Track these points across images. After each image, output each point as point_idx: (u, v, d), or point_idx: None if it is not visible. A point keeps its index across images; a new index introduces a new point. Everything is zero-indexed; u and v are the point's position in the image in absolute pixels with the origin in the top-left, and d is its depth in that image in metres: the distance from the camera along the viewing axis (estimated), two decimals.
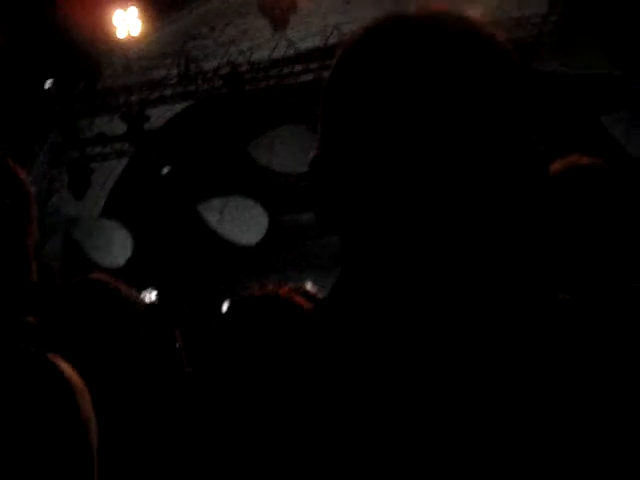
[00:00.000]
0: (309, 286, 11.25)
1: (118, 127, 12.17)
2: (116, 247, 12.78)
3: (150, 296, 11.06)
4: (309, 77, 11.37)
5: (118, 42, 11.02)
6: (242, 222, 13.54)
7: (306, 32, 11.35)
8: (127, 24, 10.86)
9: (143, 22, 10.93)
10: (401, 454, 0.69)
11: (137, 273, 11.75)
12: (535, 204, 0.74)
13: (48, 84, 10.90)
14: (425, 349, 0.71)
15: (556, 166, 1.49)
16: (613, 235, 1.43)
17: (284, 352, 0.80)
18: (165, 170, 12.95)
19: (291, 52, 11.55)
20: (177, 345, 2.88)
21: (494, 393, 0.71)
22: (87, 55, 10.80)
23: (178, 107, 12.91)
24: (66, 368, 1.10)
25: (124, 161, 13.34)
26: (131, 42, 11.07)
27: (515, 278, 0.74)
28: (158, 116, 12.64)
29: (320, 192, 0.78)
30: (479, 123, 0.70)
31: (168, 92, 11.91)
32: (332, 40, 11.39)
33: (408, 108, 0.70)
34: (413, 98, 0.70)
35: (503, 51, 0.76)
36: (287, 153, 12.06)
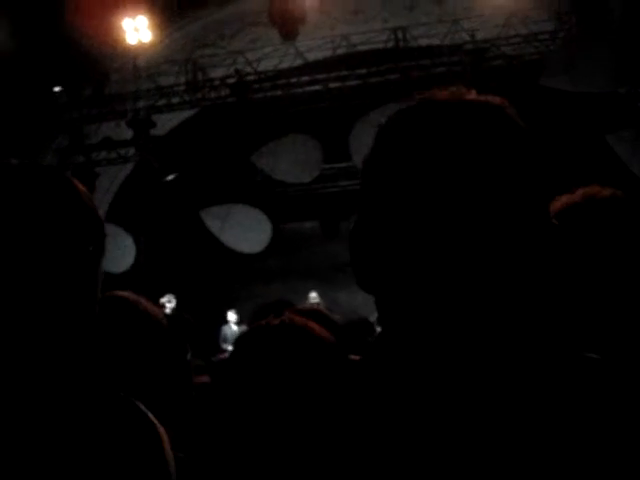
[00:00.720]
0: (314, 295, 11.26)
1: (124, 133, 12.19)
2: (119, 252, 12.77)
3: (169, 304, 11.00)
4: (316, 87, 11.41)
5: (126, 49, 11.07)
6: (245, 230, 13.54)
7: (314, 43, 11.38)
8: (136, 31, 10.91)
9: (151, 30, 10.98)
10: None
11: (139, 279, 11.77)
12: (546, 262, 0.82)
13: (56, 89, 10.93)
14: (453, 399, 0.81)
15: (577, 196, 1.46)
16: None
17: (341, 398, 0.91)
18: (170, 177, 12.95)
19: (299, 62, 11.58)
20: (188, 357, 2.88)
21: (515, 438, 0.79)
22: (95, 61, 10.84)
23: (184, 114, 12.94)
24: (164, 434, 1.09)
25: (129, 167, 13.35)
26: (139, 49, 11.11)
27: (535, 337, 0.82)
28: (164, 123, 12.67)
29: (360, 257, 0.89)
30: (502, 203, 0.80)
31: (175, 99, 11.94)
32: (340, 51, 11.45)
33: (435, 185, 0.80)
34: (440, 176, 0.81)
35: (514, 125, 0.86)
36: (291, 162, 12.08)
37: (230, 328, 11.90)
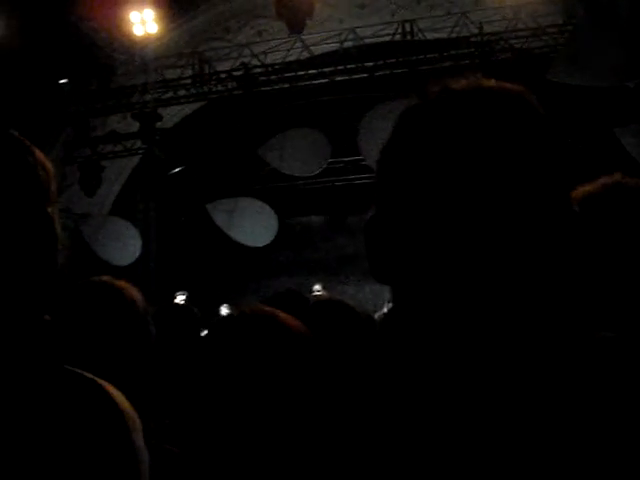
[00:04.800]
0: (318, 287, 11.27)
1: (130, 126, 12.20)
2: (124, 245, 12.79)
3: (181, 296, 11.03)
4: (323, 80, 11.38)
5: (133, 42, 11.05)
6: (251, 224, 13.52)
7: (321, 36, 11.34)
8: (142, 24, 10.89)
9: (158, 22, 10.96)
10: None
11: (145, 272, 11.77)
12: (569, 245, 0.81)
13: (62, 82, 10.93)
14: (467, 382, 0.80)
15: (599, 185, 1.44)
16: None
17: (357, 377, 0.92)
18: (176, 169, 12.95)
19: (305, 55, 11.55)
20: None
21: (527, 423, 0.78)
22: (102, 54, 10.83)
23: (191, 107, 12.93)
24: (120, 398, 1.03)
25: (135, 159, 13.36)
26: (146, 42, 11.10)
27: (552, 317, 0.80)
28: (171, 116, 12.66)
29: (376, 247, 0.87)
30: (521, 191, 0.79)
31: (181, 92, 11.93)
32: (347, 44, 11.41)
33: (455, 173, 0.79)
34: (459, 165, 0.79)
35: (535, 112, 0.85)
36: (298, 156, 12.05)
37: None
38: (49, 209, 1.10)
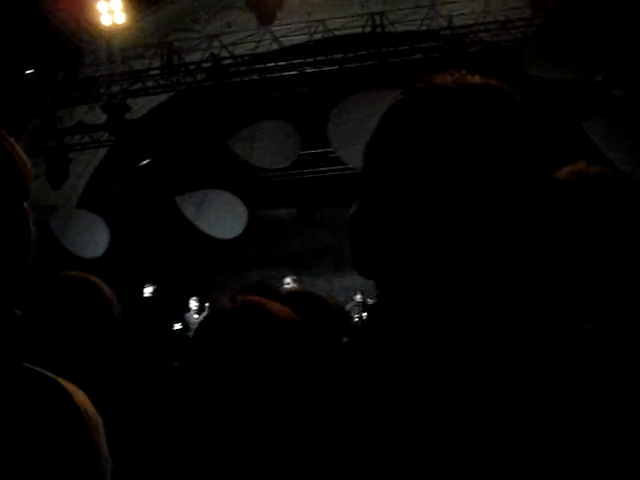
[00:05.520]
0: (288, 280, 11.27)
1: (98, 117, 12.05)
2: (92, 238, 12.67)
3: (148, 289, 10.97)
4: (293, 72, 11.35)
5: (101, 31, 10.91)
6: (221, 216, 13.48)
7: (291, 28, 11.31)
8: (110, 14, 10.76)
9: (126, 12, 10.83)
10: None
11: (113, 265, 11.67)
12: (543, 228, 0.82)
13: (28, 72, 10.78)
14: (453, 378, 0.81)
15: (563, 174, 1.45)
16: (631, 248, 1.36)
17: (333, 374, 0.93)
18: (144, 161, 12.85)
19: (275, 47, 11.51)
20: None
21: (507, 412, 0.79)
22: (68, 44, 10.69)
23: (159, 98, 12.82)
24: (81, 397, 1.01)
25: (102, 151, 13.23)
26: (114, 32, 10.97)
27: (529, 307, 0.82)
28: (139, 107, 12.54)
29: (360, 242, 0.88)
30: (502, 187, 0.80)
31: (150, 83, 11.82)
32: (317, 36, 11.38)
33: (439, 169, 0.80)
34: (442, 160, 0.80)
35: (517, 109, 0.86)
36: (268, 148, 12.02)
37: (192, 316, 11.92)
38: (25, 204, 1.09)
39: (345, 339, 2.84)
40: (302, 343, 1.39)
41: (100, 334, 1.85)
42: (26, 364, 1.01)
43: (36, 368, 1.01)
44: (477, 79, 0.87)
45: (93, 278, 1.95)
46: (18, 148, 1.10)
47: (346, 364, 0.93)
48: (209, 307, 12.13)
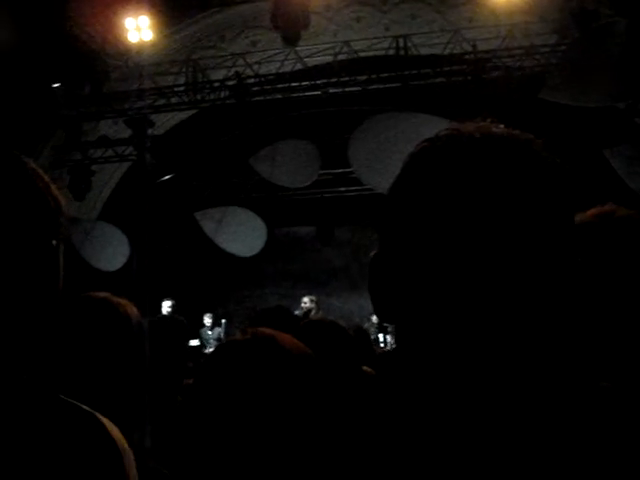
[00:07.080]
0: (306, 300, 11.25)
1: (122, 131, 12.17)
2: (112, 251, 12.74)
3: (167, 305, 11.01)
4: (316, 92, 11.40)
5: (127, 48, 11.05)
6: (240, 233, 13.51)
7: (316, 48, 11.36)
8: (137, 31, 10.89)
9: (153, 29, 10.96)
10: None
11: (132, 278, 11.73)
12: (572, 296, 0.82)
13: (55, 86, 10.90)
14: (467, 434, 0.80)
15: (590, 216, 1.40)
16: None
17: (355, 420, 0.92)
18: (166, 177, 12.92)
19: (299, 67, 11.57)
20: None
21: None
22: (95, 59, 10.81)
23: (183, 115, 12.92)
24: (115, 432, 1.02)
25: (125, 165, 13.33)
26: (140, 48, 11.09)
27: (555, 367, 0.81)
28: (163, 122, 12.65)
29: (380, 286, 0.88)
30: (525, 241, 0.79)
31: (174, 99, 11.92)
32: (341, 57, 11.44)
33: (459, 217, 0.80)
34: (465, 208, 0.80)
35: (542, 161, 0.85)
36: (289, 167, 12.06)
37: (205, 332, 11.96)
38: (54, 241, 1.07)
39: (365, 368, 2.83)
40: (312, 377, 1.38)
41: (122, 356, 1.85)
42: (62, 397, 1.03)
43: (72, 401, 1.02)
44: (501, 129, 0.87)
45: (123, 302, 1.94)
46: (51, 184, 1.10)
47: (359, 412, 0.93)
48: (225, 323, 12.16)
